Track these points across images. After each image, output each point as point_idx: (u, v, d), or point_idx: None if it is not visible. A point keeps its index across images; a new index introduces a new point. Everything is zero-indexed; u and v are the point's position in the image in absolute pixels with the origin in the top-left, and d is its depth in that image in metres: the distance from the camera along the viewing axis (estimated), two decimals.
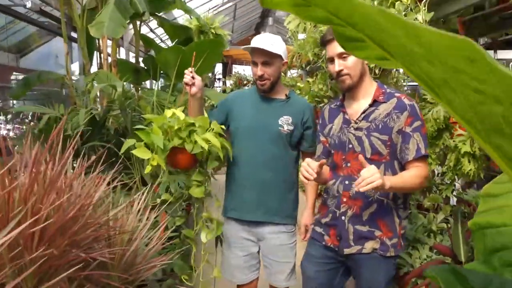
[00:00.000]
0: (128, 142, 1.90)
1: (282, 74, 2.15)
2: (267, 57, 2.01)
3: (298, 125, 2.09)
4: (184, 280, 1.92)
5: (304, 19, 0.54)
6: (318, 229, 1.92)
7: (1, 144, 1.09)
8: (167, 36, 8.12)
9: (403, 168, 1.74)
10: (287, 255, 2.17)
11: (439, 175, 2.68)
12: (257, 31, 17.73)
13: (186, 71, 2.03)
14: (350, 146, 1.76)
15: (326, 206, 1.88)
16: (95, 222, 1.08)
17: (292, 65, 5.38)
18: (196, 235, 2.10)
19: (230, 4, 11.00)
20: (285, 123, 2.07)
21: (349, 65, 1.71)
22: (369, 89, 1.77)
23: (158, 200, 2.07)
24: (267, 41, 2.03)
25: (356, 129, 1.75)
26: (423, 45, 0.34)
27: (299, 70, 6.07)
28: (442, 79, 0.35)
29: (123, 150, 1.85)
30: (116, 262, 1.17)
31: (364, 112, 1.74)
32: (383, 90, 1.76)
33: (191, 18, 5.50)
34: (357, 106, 1.78)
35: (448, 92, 0.35)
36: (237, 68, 12.63)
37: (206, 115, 2.08)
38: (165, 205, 1.83)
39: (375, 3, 2.28)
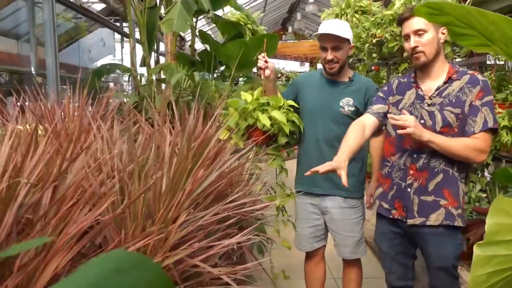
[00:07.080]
0: None
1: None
2: (337, 42, 2.13)
3: (361, 104, 2.20)
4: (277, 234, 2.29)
5: (431, 22, 0.92)
6: (384, 204, 1.93)
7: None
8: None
9: None
10: (351, 229, 2.26)
11: None
12: (284, 26, 18.04)
13: (259, 57, 2.23)
14: (422, 121, 1.78)
15: (390, 178, 1.90)
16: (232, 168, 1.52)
17: None
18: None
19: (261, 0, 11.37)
20: (346, 104, 2.20)
21: (424, 42, 1.75)
22: (443, 68, 1.82)
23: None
24: (336, 26, 2.13)
25: (430, 105, 1.79)
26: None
27: None
28: None
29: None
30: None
31: (438, 89, 1.79)
32: (456, 69, 1.81)
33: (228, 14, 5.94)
34: (431, 84, 1.83)
35: None
36: None
37: (279, 95, 2.31)
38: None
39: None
